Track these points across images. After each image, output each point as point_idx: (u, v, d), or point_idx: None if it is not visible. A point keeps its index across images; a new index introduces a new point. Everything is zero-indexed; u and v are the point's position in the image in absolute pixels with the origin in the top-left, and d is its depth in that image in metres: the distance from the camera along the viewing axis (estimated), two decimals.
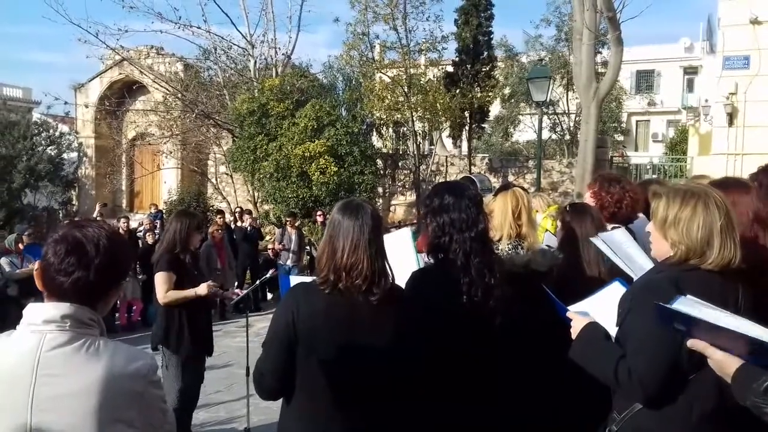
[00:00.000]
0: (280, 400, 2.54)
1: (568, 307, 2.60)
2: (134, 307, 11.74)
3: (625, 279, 2.68)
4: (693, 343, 1.89)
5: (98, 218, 13.63)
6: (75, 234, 1.72)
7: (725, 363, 1.82)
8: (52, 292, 1.71)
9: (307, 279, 2.69)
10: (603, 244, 2.89)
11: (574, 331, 2.44)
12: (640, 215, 3.77)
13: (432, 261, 2.73)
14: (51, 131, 26.66)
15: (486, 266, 2.60)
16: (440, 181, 19.47)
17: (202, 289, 5.11)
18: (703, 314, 1.84)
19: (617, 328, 2.30)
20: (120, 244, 1.79)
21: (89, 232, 1.73)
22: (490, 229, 3.01)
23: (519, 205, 3.16)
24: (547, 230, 5.73)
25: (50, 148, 25.98)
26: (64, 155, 26.40)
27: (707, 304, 1.94)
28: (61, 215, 24.53)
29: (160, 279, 5.07)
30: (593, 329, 2.38)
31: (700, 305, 1.91)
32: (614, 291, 2.57)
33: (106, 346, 1.71)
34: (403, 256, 2.74)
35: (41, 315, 1.68)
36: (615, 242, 2.89)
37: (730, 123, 14.29)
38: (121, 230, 12.06)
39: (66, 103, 23.57)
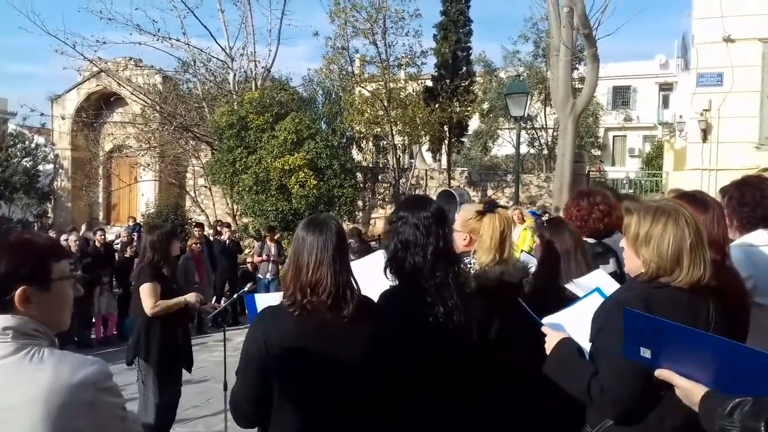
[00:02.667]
0: None
1: (543, 319, 2.62)
2: (109, 322, 11.60)
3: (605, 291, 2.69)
4: (659, 373, 1.91)
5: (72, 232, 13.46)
6: None
7: (691, 392, 1.85)
8: None
9: (274, 297, 2.66)
10: (576, 288, 2.92)
11: (548, 347, 2.46)
12: (617, 233, 3.79)
13: (395, 280, 2.72)
14: (27, 143, 26.40)
15: (442, 285, 2.57)
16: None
17: (192, 296, 5.10)
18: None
19: (590, 343, 2.32)
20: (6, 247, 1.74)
21: None
22: (476, 251, 3.02)
23: (505, 230, 3.16)
24: (522, 250, 5.76)
25: (26, 159, 25.73)
26: (40, 167, 26.14)
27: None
28: (36, 228, 24.19)
29: (147, 290, 5.00)
30: (566, 346, 2.40)
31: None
32: (593, 301, 2.59)
33: (51, 355, 1.66)
34: (377, 281, 2.73)
35: None
36: (587, 286, 2.90)
37: (704, 139, 14.52)
38: (97, 243, 11.93)
39: (42, 114, 23.42)
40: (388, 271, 2.68)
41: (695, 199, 2.77)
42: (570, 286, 2.97)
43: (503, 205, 3.64)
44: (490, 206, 3.21)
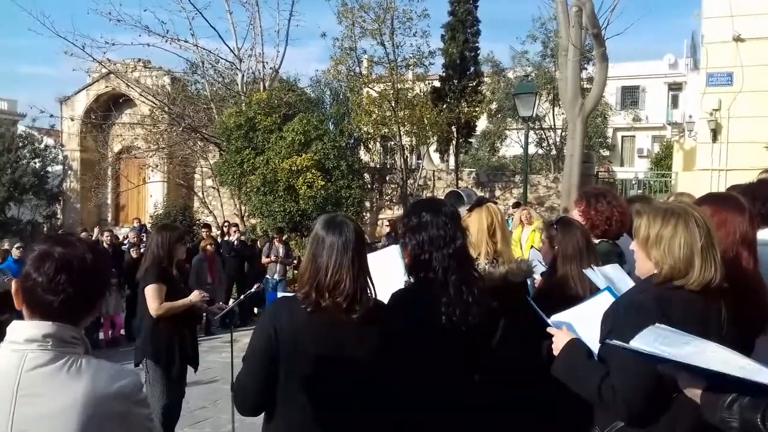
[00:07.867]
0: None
1: (552, 317, 2.59)
2: (116, 323, 11.61)
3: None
4: (663, 368, 1.93)
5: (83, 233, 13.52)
6: (61, 251, 1.67)
7: (693, 384, 1.86)
8: (38, 311, 1.66)
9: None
10: (595, 275, 2.89)
11: (556, 348, 2.43)
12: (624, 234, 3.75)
13: (412, 280, 2.70)
14: (36, 144, 26.52)
15: (464, 283, 2.57)
16: (425, 196, 19.59)
17: (195, 296, 5.10)
18: (661, 349, 1.86)
19: (600, 344, 2.29)
20: (102, 258, 1.76)
21: (75, 249, 1.69)
22: (469, 246, 3.01)
23: (494, 222, 3.15)
24: (532, 246, 5.74)
25: (35, 161, 25.83)
26: (49, 168, 26.26)
27: (673, 330, 1.95)
28: (45, 229, 24.32)
29: (152, 292, 5.01)
30: (575, 347, 2.38)
31: (664, 333, 1.92)
32: (603, 300, 2.56)
33: (89, 364, 1.66)
34: (391, 275, 2.70)
35: (23, 334, 1.63)
36: (607, 276, 2.87)
37: (714, 139, 14.43)
38: (105, 244, 11.97)
39: (52, 116, 23.45)
40: (409, 270, 2.66)
41: (730, 199, 2.74)
42: (588, 272, 2.94)
43: (493, 200, 3.69)
44: (478, 202, 3.22)
